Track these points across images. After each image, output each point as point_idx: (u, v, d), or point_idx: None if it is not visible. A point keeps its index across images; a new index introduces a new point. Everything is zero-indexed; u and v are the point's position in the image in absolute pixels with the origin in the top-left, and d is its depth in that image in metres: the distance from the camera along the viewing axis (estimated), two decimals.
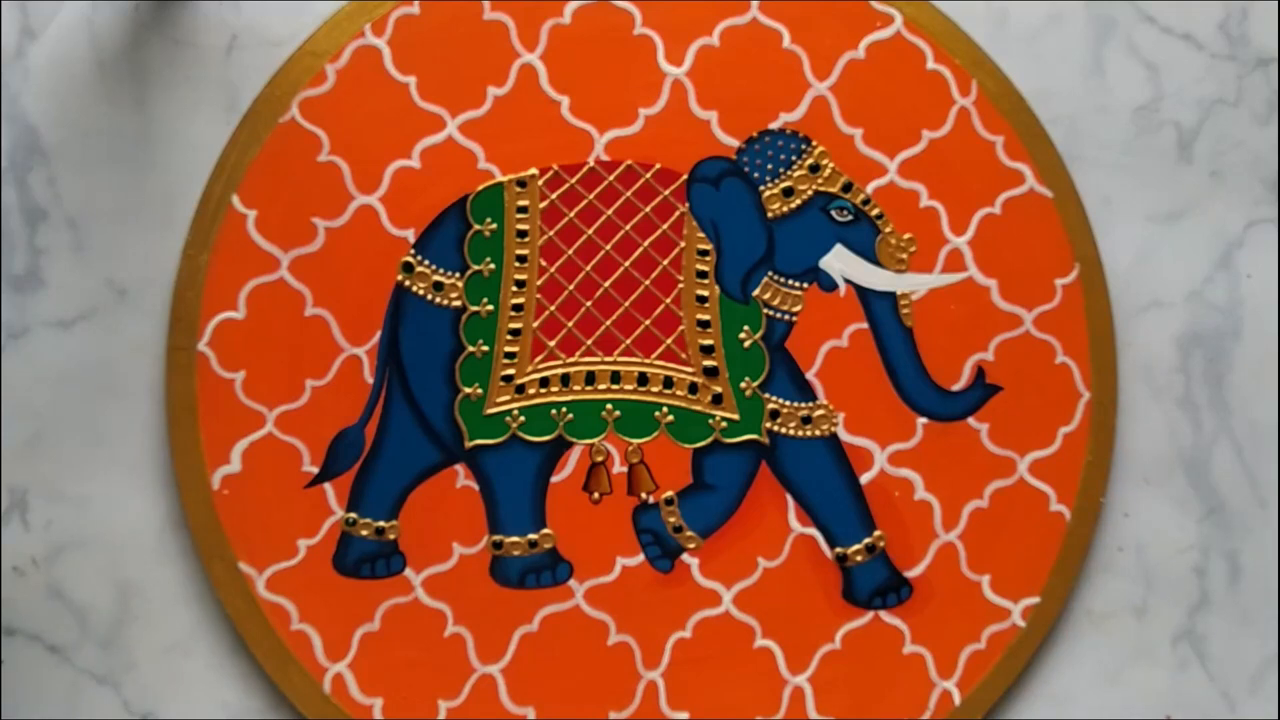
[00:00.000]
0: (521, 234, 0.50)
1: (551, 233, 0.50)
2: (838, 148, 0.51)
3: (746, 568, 0.50)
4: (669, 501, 0.50)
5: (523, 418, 0.50)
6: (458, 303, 0.50)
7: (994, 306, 0.51)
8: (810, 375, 0.50)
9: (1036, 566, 0.51)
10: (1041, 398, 0.51)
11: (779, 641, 0.50)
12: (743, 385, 0.50)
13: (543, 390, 0.50)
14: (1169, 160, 0.53)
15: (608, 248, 0.50)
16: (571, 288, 0.50)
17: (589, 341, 0.50)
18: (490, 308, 0.50)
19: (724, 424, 0.50)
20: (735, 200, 0.50)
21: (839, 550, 0.50)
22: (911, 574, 0.50)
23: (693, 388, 0.50)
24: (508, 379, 0.50)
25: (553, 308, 0.50)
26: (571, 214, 0.50)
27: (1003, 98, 0.51)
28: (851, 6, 0.51)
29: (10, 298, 0.50)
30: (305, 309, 0.50)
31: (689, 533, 0.50)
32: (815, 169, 0.50)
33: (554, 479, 0.50)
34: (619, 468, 0.50)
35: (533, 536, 0.50)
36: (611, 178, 0.50)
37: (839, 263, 0.50)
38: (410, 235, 0.50)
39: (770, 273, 0.50)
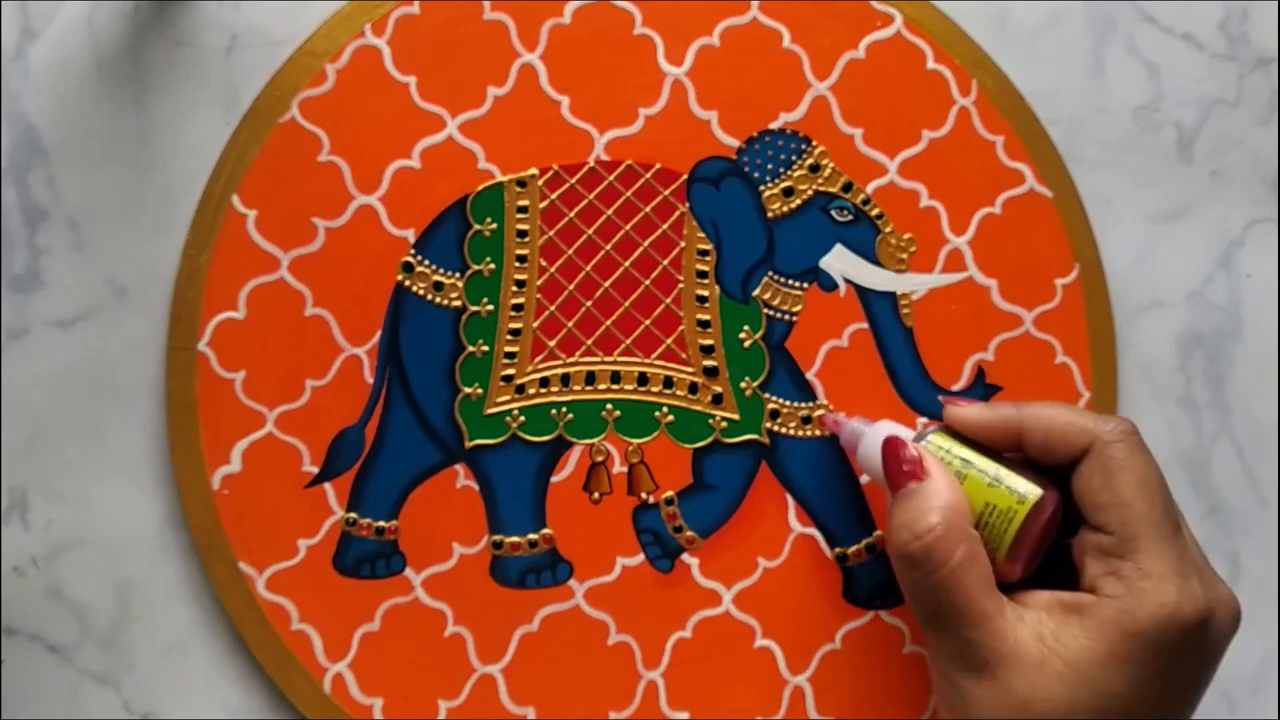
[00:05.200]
0: (521, 234, 0.50)
1: (552, 233, 0.50)
2: (838, 148, 0.51)
3: (746, 568, 0.50)
4: (669, 501, 0.50)
5: (523, 418, 0.50)
6: (458, 303, 0.50)
7: (994, 306, 0.51)
8: (810, 375, 0.50)
9: None
10: (1041, 398, 0.51)
11: (779, 641, 0.50)
12: (743, 385, 0.50)
13: (543, 390, 0.50)
14: (1169, 160, 0.53)
15: (608, 248, 0.50)
16: (571, 288, 0.50)
17: (589, 341, 0.50)
18: (490, 308, 0.50)
19: (724, 424, 0.50)
20: (735, 200, 0.50)
21: (839, 550, 0.50)
22: None
23: (693, 388, 0.50)
24: (508, 379, 0.50)
25: (553, 308, 0.50)
26: (571, 214, 0.50)
27: (1003, 98, 0.51)
28: (851, 6, 0.51)
29: (10, 298, 0.50)
30: (305, 309, 0.50)
31: (689, 533, 0.50)
32: (815, 169, 0.50)
33: (554, 479, 0.50)
34: (619, 468, 0.50)
35: (533, 536, 0.50)
36: (611, 178, 0.50)
37: (839, 263, 0.50)
38: (410, 235, 0.50)
39: (770, 272, 0.50)
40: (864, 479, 0.50)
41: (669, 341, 0.50)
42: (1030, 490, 0.41)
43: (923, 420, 0.50)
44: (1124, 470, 0.40)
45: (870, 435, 0.46)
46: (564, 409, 0.50)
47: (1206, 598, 0.39)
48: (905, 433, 0.45)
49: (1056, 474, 0.42)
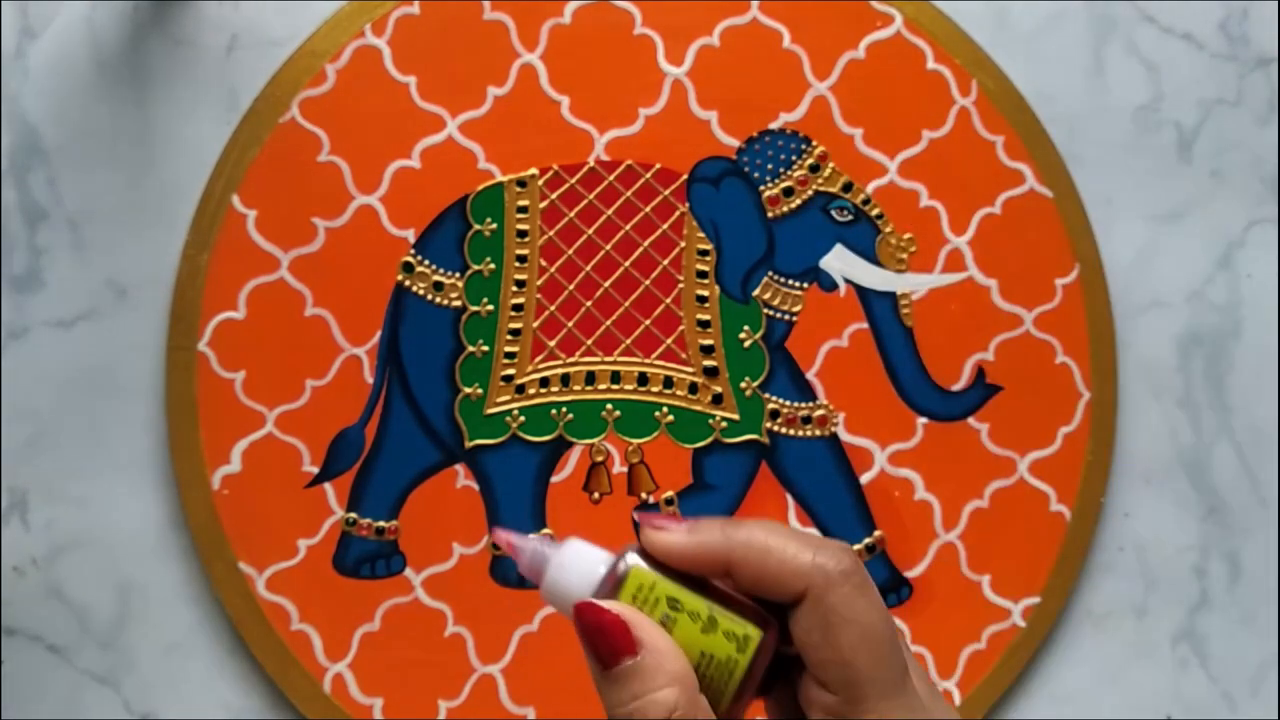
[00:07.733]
0: (521, 234, 0.50)
1: (551, 233, 0.50)
2: (838, 148, 0.51)
3: None
4: (669, 501, 0.50)
5: (523, 418, 0.50)
6: (458, 303, 0.50)
7: (994, 306, 0.51)
8: (810, 375, 0.50)
9: (1036, 566, 0.51)
10: (1041, 398, 0.51)
11: None
12: (743, 385, 0.50)
13: (543, 390, 0.50)
14: (1169, 160, 0.53)
15: (608, 248, 0.50)
16: (571, 288, 0.50)
17: (589, 341, 0.50)
18: (490, 308, 0.50)
19: (724, 424, 0.50)
20: (735, 200, 0.50)
21: None
22: (911, 574, 0.50)
23: (693, 388, 0.50)
24: (508, 379, 0.50)
25: (553, 308, 0.50)
26: (571, 214, 0.50)
27: (1003, 98, 0.51)
28: (851, 6, 0.51)
29: (10, 298, 0.50)
30: (305, 309, 0.49)
31: None
32: (815, 169, 0.50)
33: (554, 479, 0.50)
34: (619, 468, 0.50)
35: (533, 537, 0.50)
36: (611, 178, 0.50)
37: (839, 263, 0.50)
38: (410, 235, 0.50)
39: (770, 273, 0.50)
40: (864, 478, 0.50)
41: (669, 341, 0.50)
42: (749, 632, 0.35)
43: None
44: (844, 623, 0.35)
45: (558, 560, 0.35)
46: (564, 409, 0.50)
47: None
48: (596, 558, 0.35)
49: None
